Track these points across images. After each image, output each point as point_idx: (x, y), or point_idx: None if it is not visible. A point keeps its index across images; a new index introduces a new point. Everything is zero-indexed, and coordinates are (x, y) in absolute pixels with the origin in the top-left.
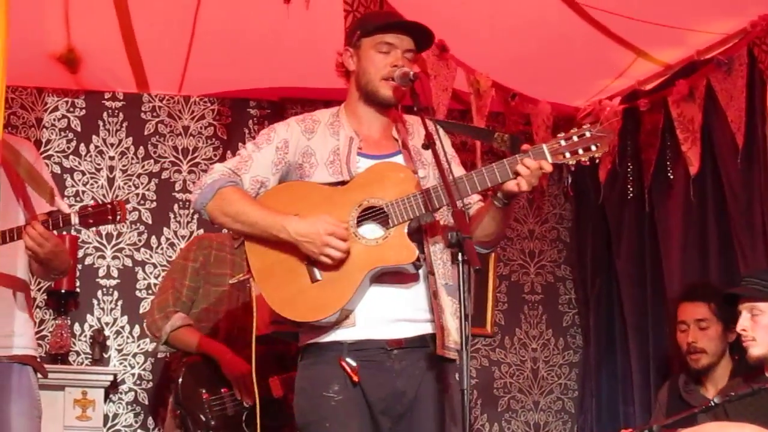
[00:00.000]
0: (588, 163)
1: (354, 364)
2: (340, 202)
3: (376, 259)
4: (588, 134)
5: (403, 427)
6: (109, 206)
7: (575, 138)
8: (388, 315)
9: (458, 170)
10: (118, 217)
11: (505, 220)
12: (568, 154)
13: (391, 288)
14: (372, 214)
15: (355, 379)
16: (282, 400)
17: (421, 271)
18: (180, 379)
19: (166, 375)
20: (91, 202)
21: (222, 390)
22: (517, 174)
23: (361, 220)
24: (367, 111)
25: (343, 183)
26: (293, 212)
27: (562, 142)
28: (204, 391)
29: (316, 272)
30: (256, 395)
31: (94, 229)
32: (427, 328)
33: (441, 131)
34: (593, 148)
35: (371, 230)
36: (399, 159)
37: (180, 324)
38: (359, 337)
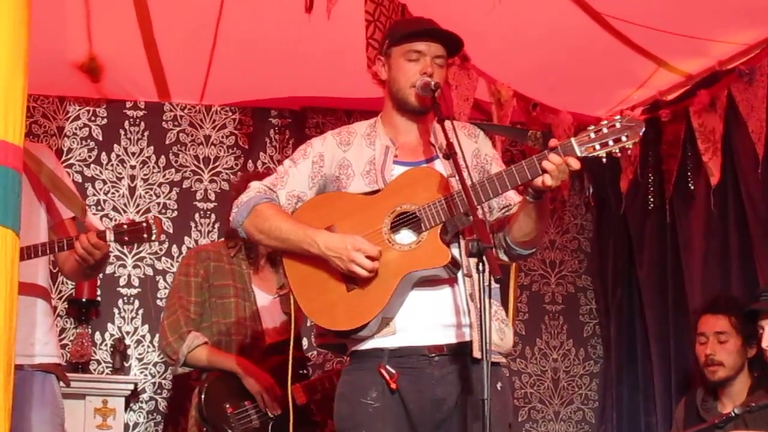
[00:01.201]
0: (619, 154)
1: (393, 371)
2: (374, 210)
3: (410, 264)
4: (618, 124)
5: None
6: (144, 224)
7: (605, 129)
8: (428, 321)
9: (499, 170)
10: (154, 235)
11: (540, 217)
12: (598, 146)
13: (430, 293)
14: (405, 219)
15: (393, 386)
16: (306, 406)
17: (459, 274)
18: (203, 395)
19: (186, 384)
20: (112, 212)
21: (245, 403)
22: (544, 170)
23: (395, 226)
24: (402, 119)
25: (378, 191)
26: (329, 223)
27: (592, 135)
28: (228, 405)
29: (352, 282)
30: (290, 403)
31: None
32: (469, 334)
33: (481, 134)
34: (624, 138)
35: (406, 236)
36: (436, 164)
37: (197, 343)
38: (400, 344)
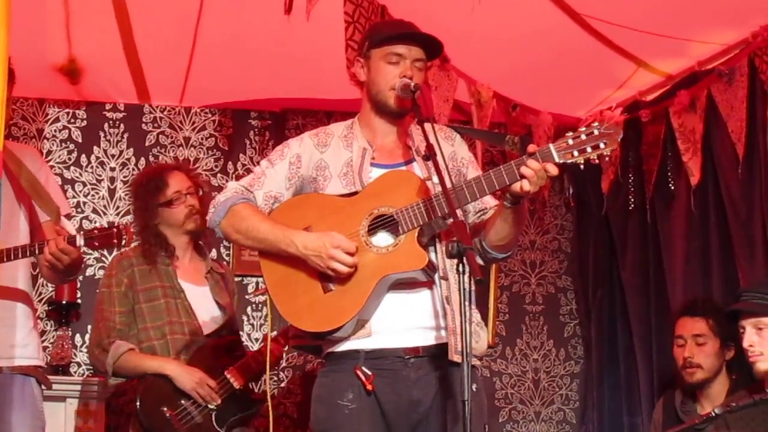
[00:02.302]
0: (597, 161)
1: (369, 372)
2: (351, 212)
3: (387, 267)
4: (596, 131)
5: None
6: (114, 230)
7: (583, 136)
8: (404, 323)
9: (475, 174)
10: (124, 242)
11: (517, 222)
12: (576, 153)
13: (406, 296)
14: (383, 222)
15: (369, 387)
16: (245, 389)
17: (436, 277)
18: (138, 405)
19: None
20: (92, 215)
21: (182, 402)
22: (522, 176)
23: (372, 229)
24: (380, 121)
25: (355, 194)
26: (305, 224)
27: (570, 141)
28: (165, 409)
29: (329, 283)
30: (269, 401)
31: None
32: (445, 336)
33: (458, 137)
34: (602, 145)
35: (383, 238)
36: (414, 167)
37: (121, 351)
38: (376, 346)
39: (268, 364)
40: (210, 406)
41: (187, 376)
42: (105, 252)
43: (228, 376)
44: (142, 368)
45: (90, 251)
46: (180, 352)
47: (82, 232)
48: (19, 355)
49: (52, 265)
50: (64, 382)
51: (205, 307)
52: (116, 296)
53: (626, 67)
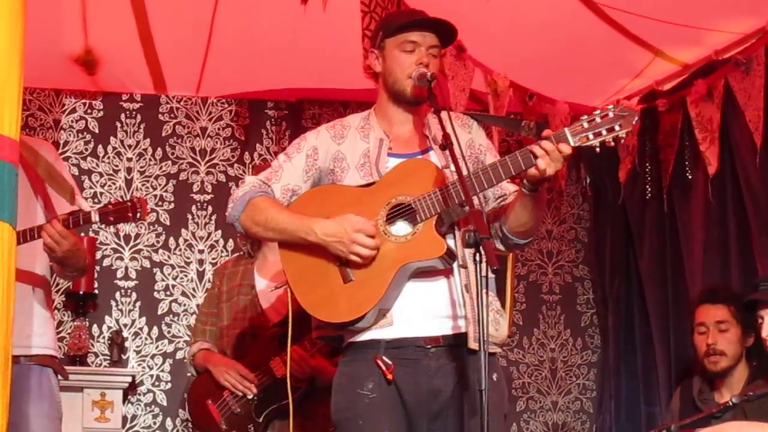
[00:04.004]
0: (613, 144)
1: (389, 362)
2: (369, 202)
3: (406, 256)
4: (611, 114)
5: (439, 426)
6: (129, 204)
7: (598, 119)
8: (425, 312)
9: (493, 161)
10: (139, 215)
11: (536, 208)
12: (591, 136)
13: (426, 284)
14: (400, 211)
15: (389, 377)
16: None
17: (455, 265)
18: (187, 399)
19: (184, 376)
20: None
21: (223, 393)
22: (536, 157)
23: (390, 218)
24: (397, 111)
25: (372, 184)
26: (324, 215)
27: (585, 124)
28: (209, 401)
29: (349, 273)
30: (290, 396)
31: (114, 228)
32: (464, 325)
33: (475, 125)
34: (617, 127)
35: (402, 227)
36: (431, 155)
37: (195, 351)
38: (396, 336)
39: (288, 371)
40: (248, 396)
41: (219, 368)
42: (122, 242)
43: (271, 365)
44: (205, 366)
45: (107, 228)
46: (236, 347)
47: (96, 208)
48: (36, 345)
49: (51, 249)
50: (81, 372)
51: (272, 300)
52: (209, 299)
53: (643, 56)
